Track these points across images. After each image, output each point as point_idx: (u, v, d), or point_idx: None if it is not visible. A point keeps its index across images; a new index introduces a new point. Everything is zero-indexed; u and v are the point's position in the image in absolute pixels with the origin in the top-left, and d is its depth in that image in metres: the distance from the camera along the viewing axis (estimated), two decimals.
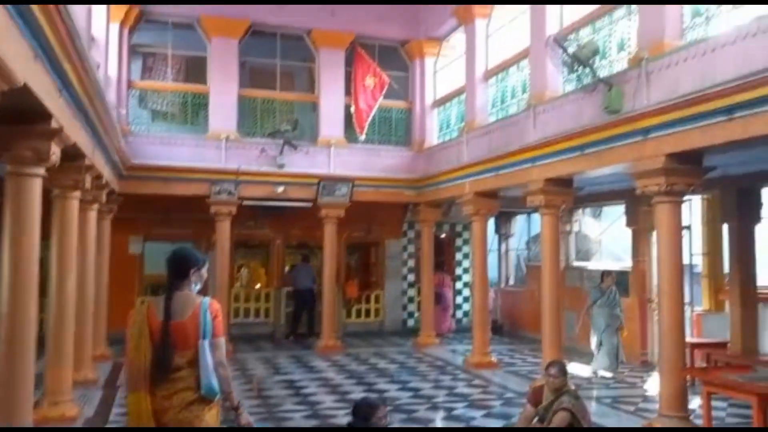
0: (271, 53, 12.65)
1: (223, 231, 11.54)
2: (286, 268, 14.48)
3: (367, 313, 14.60)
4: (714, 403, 6.42)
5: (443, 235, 15.21)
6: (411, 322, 14.71)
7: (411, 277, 14.87)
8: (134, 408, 3.32)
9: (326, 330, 12.06)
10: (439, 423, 7.14)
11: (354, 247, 15.04)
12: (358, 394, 8.34)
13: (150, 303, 3.49)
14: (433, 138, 12.96)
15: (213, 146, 11.69)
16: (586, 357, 10.91)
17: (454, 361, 10.98)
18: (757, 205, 9.23)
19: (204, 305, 3.44)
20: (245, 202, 11.84)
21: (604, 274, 9.81)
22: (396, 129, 13.31)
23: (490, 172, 9.88)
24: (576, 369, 9.58)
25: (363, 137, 12.50)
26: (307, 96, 13.14)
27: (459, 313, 15.29)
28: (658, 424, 6.22)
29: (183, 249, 3.67)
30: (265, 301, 13.94)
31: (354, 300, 14.38)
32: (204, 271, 3.64)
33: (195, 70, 12.36)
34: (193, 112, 12.23)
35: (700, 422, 6.22)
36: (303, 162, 12.08)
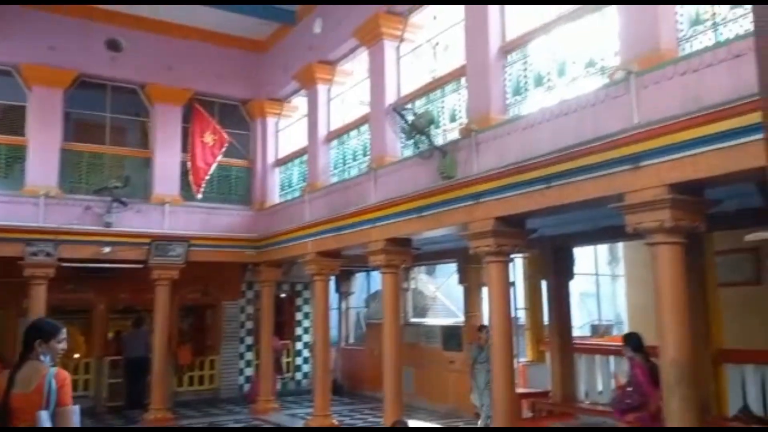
0: (100, 106, 11.94)
1: (38, 296, 10.36)
2: (110, 335, 13.33)
3: (201, 380, 13.82)
4: None
5: (283, 295, 14.99)
6: (248, 388, 14.13)
7: (249, 340, 14.39)
8: None
9: (156, 401, 11.19)
10: None
11: (188, 310, 14.28)
12: None
13: (4, 375, 3.59)
14: (274, 197, 12.90)
15: (29, 203, 10.61)
16: (423, 413, 11.20)
17: (294, 426, 10.69)
18: (570, 262, 10.26)
19: (49, 375, 3.47)
20: (66, 264, 10.81)
21: (480, 329, 9.75)
22: (236, 187, 13.08)
23: (332, 232, 10.01)
24: (415, 424, 9.76)
25: (200, 196, 12.11)
26: (140, 151, 12.49)
27: (299, 375, 15.01)
28: None
29: (37, 319, 3.93)
30: (85, 373, 12.66)
31: (187, 366, 13.55)
32: (55, 343, 3.59)
33: (10, 120, 11.27)
34: (6, 165, 11.06)
35: None
36: (134, 221, 11.37)
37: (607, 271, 14.09)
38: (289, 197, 12.42)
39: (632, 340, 6.61)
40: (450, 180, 7.49)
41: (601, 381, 9.60)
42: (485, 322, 10.04)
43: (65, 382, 3.49)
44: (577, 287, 12.51)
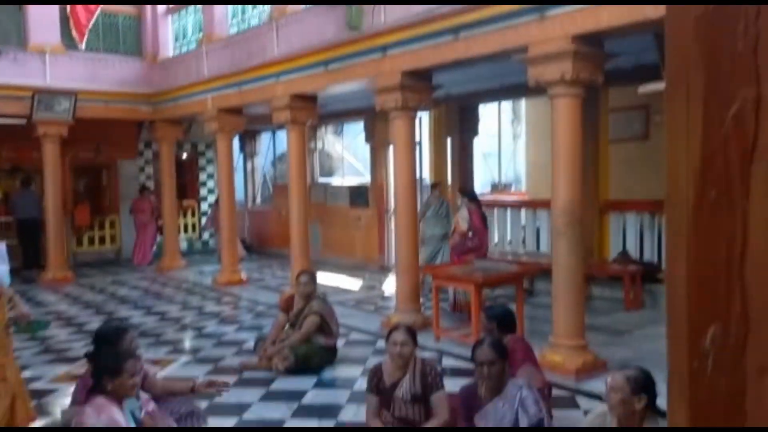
0: None
1: None
2: None
3: (102, 240, 13.48)
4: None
5: (185, 155, 14.47)
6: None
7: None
8: None
9: (53, 261, 10.89)
10: (188, 342, 6.99)
11: (82, 170, 13.53)
12: (97, 323, 7.74)
13: None
14: (168, 49, 12.00)
15: None
16: (331, 266, 11.57)
17: (202, 282, 10.79)
18: (475, 120, 10.42)
19: None
20: None
21: (432, 186, 9.44)
22: (125, 37, 12.02)
23: (233, 87, 9.54)
24: (320, 278, 10.08)
25: (83, 45, 11.08)
26: None
27: (206, 235, 14.95)
28: (395, 319, 6.87)
29: None
30: None
31: (85, 227, 13.11)
32: None
33: None
34: None
35: (430, 313, 7.04)
36: (10, 71, 10.30)
37: (509, 130, 14.45)
38: (184, 49, 11.60)
39: (469, 191, 7.22)
40: (357, 31, 7.18)
41: (497, 231, 10.20)
42: (391, 179, 10.12)
43: None
44: (480, 147, 12.84)
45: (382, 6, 6.92)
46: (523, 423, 3.25)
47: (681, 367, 0.72)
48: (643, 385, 2.81)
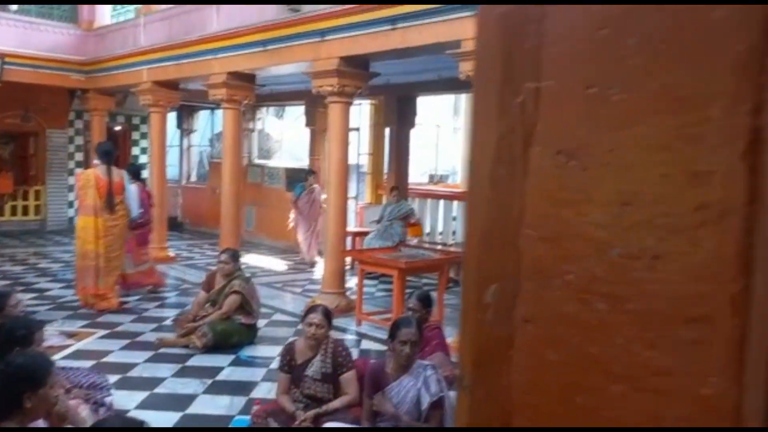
0: None
1: None
2: None
3: (25, 210, 12.99)
4: (367, 281, 7.46)
5: (118, 128, 14.06)
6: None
7: (79, 172, 13.54)
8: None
9: None
10: (107, 317, 6.86)
11: (7, 136, 12.99)
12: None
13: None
14: (105, 17, 11.63)
15: None
16: (263, 248, 11.55)
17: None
18: (413, 112, 10.56)
19: None
20: None
21: (391, 189, 9.71)
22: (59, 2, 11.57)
23: (170, 61, 9.36)
24: (252, 259, 10.07)
25: (16, 7, 10.62)
26: None
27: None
28: (319, 301, 6.94)
29: None
30: None
31: (8, 196, 12.61)
32: None
33: None
34: None
35: (354, 297, 7.14)
36: None
37: (451, 123, 14.71)
38: (121, 18, 11.28)
39: (134, 170, 8.38)
40: (297, 13, 7.18)
41: (428, 221, 10.41)
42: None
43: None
44: (421, 139, 13.02)
45: None
46: (425, 400, 3.39)
47: (472, 317, 0.84)
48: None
